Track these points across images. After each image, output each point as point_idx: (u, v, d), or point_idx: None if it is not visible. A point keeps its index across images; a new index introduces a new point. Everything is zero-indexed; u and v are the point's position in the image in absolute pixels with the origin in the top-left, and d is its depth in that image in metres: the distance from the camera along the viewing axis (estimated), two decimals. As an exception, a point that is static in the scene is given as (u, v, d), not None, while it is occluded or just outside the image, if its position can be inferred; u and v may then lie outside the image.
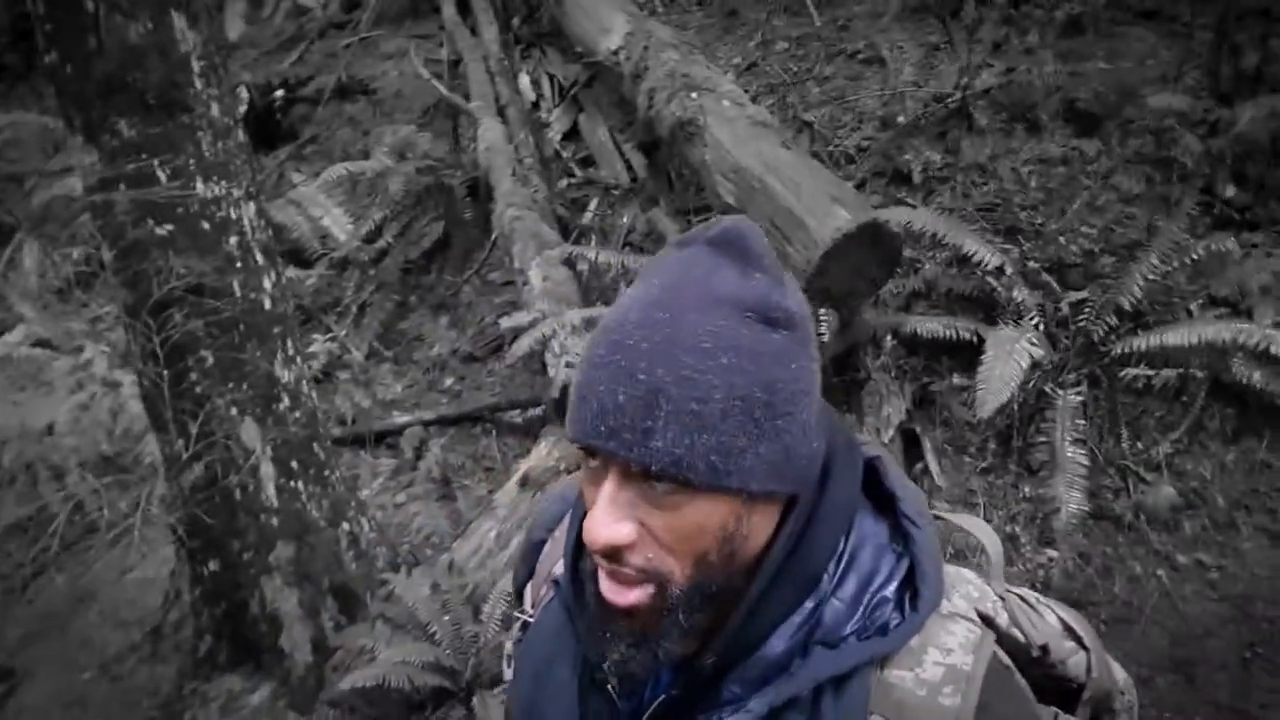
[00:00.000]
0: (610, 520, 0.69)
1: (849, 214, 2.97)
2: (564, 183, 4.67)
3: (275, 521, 2.73)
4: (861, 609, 0.74)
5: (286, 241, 5.07)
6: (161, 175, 2.33)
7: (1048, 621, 0.86)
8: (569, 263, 3.88)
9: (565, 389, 3.40)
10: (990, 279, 3.42)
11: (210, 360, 2.51)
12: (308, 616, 2.80)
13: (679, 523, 0.69)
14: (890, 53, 4.34)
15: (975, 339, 3.29)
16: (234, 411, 2.57)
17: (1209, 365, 3.14)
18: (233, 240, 2.49)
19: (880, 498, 0.79)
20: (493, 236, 4.35)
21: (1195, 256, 3.15)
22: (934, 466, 3.34)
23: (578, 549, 0.80)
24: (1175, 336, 3.08)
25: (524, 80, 5.02)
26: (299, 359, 2.75)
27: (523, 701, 0.88)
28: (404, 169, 4.90)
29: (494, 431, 4.02)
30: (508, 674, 0.92)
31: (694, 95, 3.49)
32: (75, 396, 3.79)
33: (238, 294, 2.52)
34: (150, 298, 2.34)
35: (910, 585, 0.74)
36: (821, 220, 2.97)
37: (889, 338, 3.51)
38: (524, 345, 3.57)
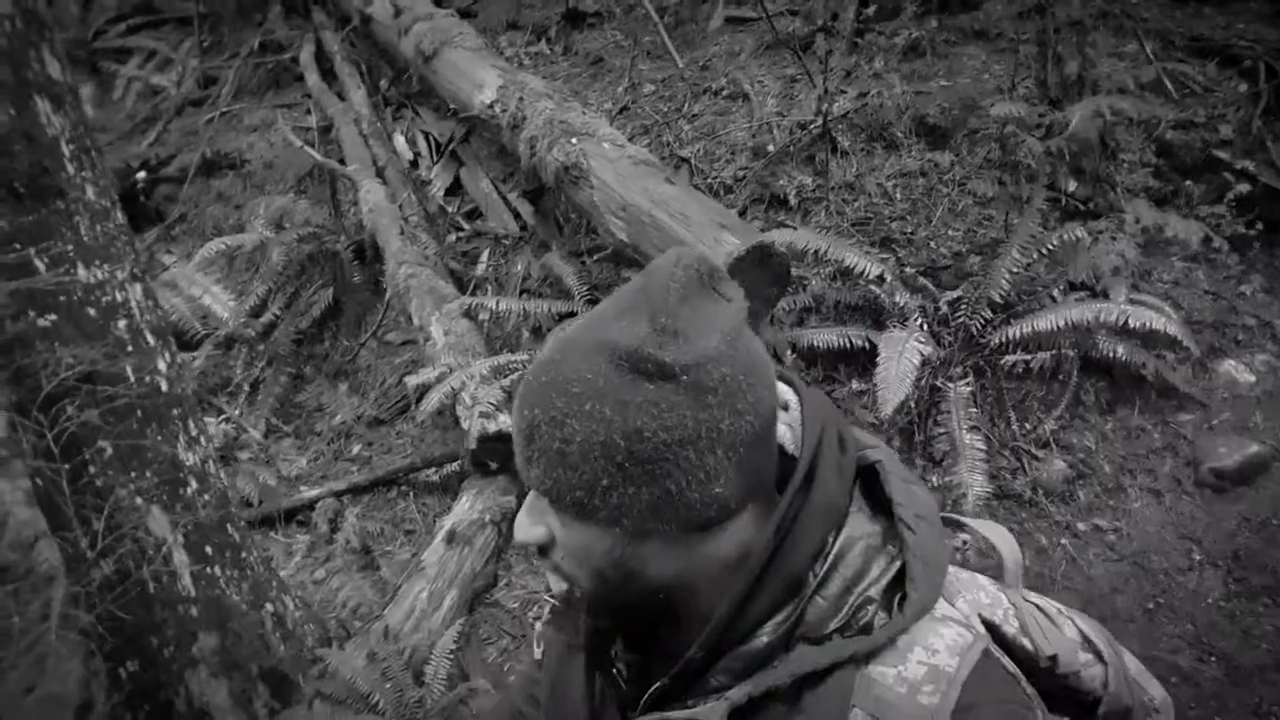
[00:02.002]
0: (526, 522, 0.79)
1: (737, 239, 3.11)
2: (453, 237, 4.68)
3: (195, 611, 2.59)
4: (846, 607, 0.76)
5: (170, 323, 4.87)
6: (40, 264, 2.23)
7: (1064, 633, 0.88)
8: (469, 315, 3.88)
9: (483, 439, 3.38)
10: (874, 287, 3.63)
11: (109, 450, 2.39)
12: (239, 707, 2.66)
13: (570, 540, 0.77)
14: (752, 87, 4.58)
15: (867, 344, 3.48)
16: (139, 501, 2.45)
17: (1078, 344, 3.42)
18: (121, 324, 2.40)
19: (880, 500, 0.81)
20: (387, 297, 4.30)
21: (1051, 247, 3.44)
22: (845, 470, 3.49)
23: None
24: (1044, 322, 3.35)
25: (399, 140, 5.02)
26: (203, 439, 2.65)
27: (550, 681, 0.95)
28: (284, 239, 4.80)
29: (410, 493, 3.94)
30: (537, 653, 0.98)
31: (574, 140, 3.58)
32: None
33: (131, 379, 2.41)
34: (40, 392, 2.22)
35: (900, 587, 0.76)
36: (712, 247, 3.10)
37: (789, 352, 3.66)
38: (434, 401, 3.54)
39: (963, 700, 0.72)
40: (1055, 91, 3.71)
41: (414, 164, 5.00)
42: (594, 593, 0.79)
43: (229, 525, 2.72)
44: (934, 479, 3.34)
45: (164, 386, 2.51)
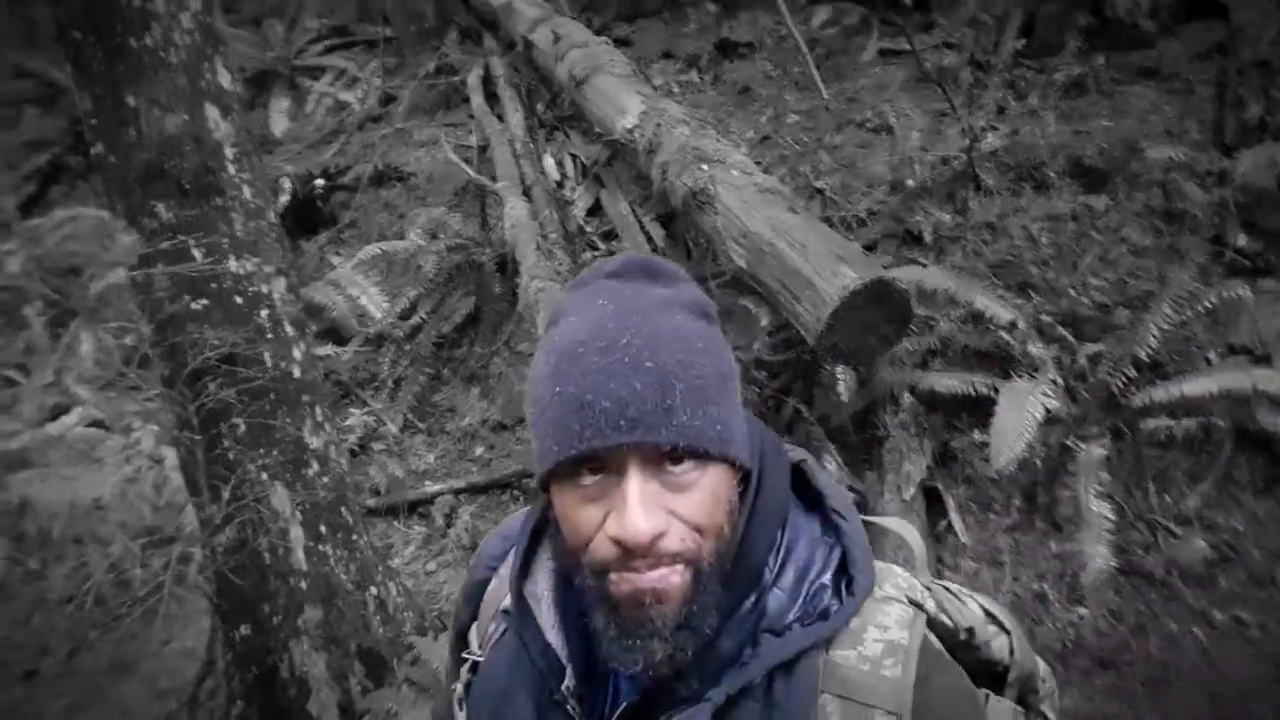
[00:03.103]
0: (647, 513, 0.72)
1: (855, 272, 3.04)
2: (587, 255, 4.82)
3: (304, 585, 2.80)
4: (802, 597, 0.80)
5: (325, 320, 5.29)
6: (197, 253, 2.50)
7: (970, 609, 0.92)
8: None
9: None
10: (1005, 334, 3.44)
11: (242, 427, 2.63)
12: (335, 681, 2.84)
13: (700, 498, 0.75)
14: (897, 120, 4.47)
15: (993, 394, 3.30)
16: (264, 477, 2.68)
17: (1232, 414, 3.11)
18: (264, 313, 2.64)
19: (808, 497, 0.86)
20: (519, 308, 4.49)
21: (1209, 305, 3.15)
22: (958, 524, 3.32)
23: (562, 571, 0.84)
24: (1195, 386, 3.06)
25: (548, 161, 5.24)
26: (328, 426, 2.86)
27: None
28: (436, 248, 5.10)
29: (521, 498, 4.08)
30: (460, 718, 0.92)
31: (704, 166, 3.62)
32: (122, 471, 3.95)
33: (268, 363, 2.65)
34: (186, 368, 2.47)
35: (845, 573, 0.81)
36: (829, 279, 3.04)
37: (907, 395, 3.53)
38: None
39: (920, 671, 0.77)
40: (1231, 137, 3.42)
41: (560, 184, 5.20)
42: (719, 553, 0.76)
43: (343, 508, 2.92)
44: (1053, 545, 3.12)
45: (296, 373, 2.74)
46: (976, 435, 3.46)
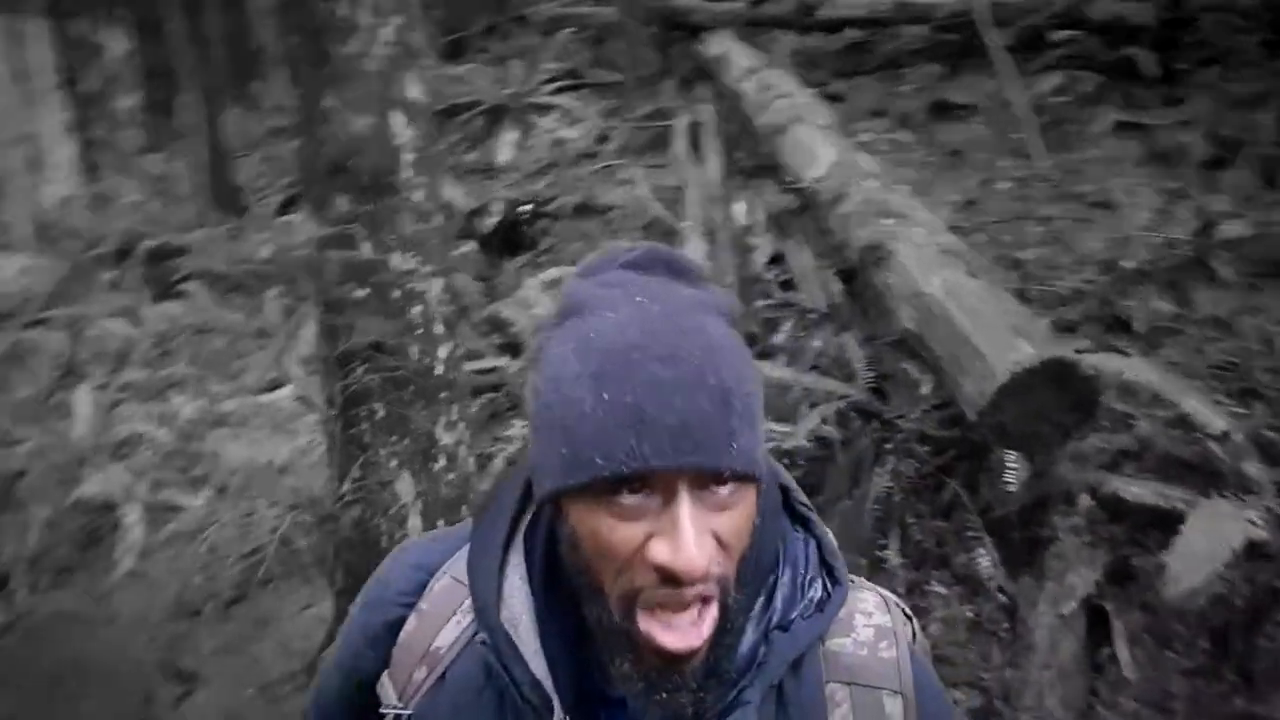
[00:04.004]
0: (699, 541, 0.67)
1: (1033, 349, 2.75)
2: (760, 303, 4.72)
3: (413, 576, 2.87)
4: (799, 591, 0.80)
5: (509, 334, 5.55)
6: (366, 245, 2.67)
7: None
8: (747, 378, 3.87)
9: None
10: (1215, 445, 2.97)
11: (380, 413, 2.76)
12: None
13: (737, 519, 0.71)
14: (1124, 197, 4.05)
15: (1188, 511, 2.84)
16: (393, 463, 2.79)
17: None
18: (416, 309, 2.77)
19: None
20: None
21: None
22: (1124, 654, 2.86)
23: (545, 591, 0.78)
24: None
25: (738, 207, 5.23)
26: (462, 426, 2.94)
27: None
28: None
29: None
30: None
31: (886, 221, 3.45)
32: (297, 441, 4.31)
33: (413, 357, 2.77)
34: (336, 349, 2.64)
35: (824, 562, 0.82)
36: (1000, 352, 2.77)
37: (1086, 496, 3.12)
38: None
39: (910, 650, 0.81)
40: None
41: (746, 230, 5.16)
42: (739, 577, 0.73)
43: (464, 507, 2.98)
44: (1240, 702, 2.61)
45: (438, 370, 2.84)
46: (1163, 556, 2.99)
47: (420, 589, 0.86)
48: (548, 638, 0.77)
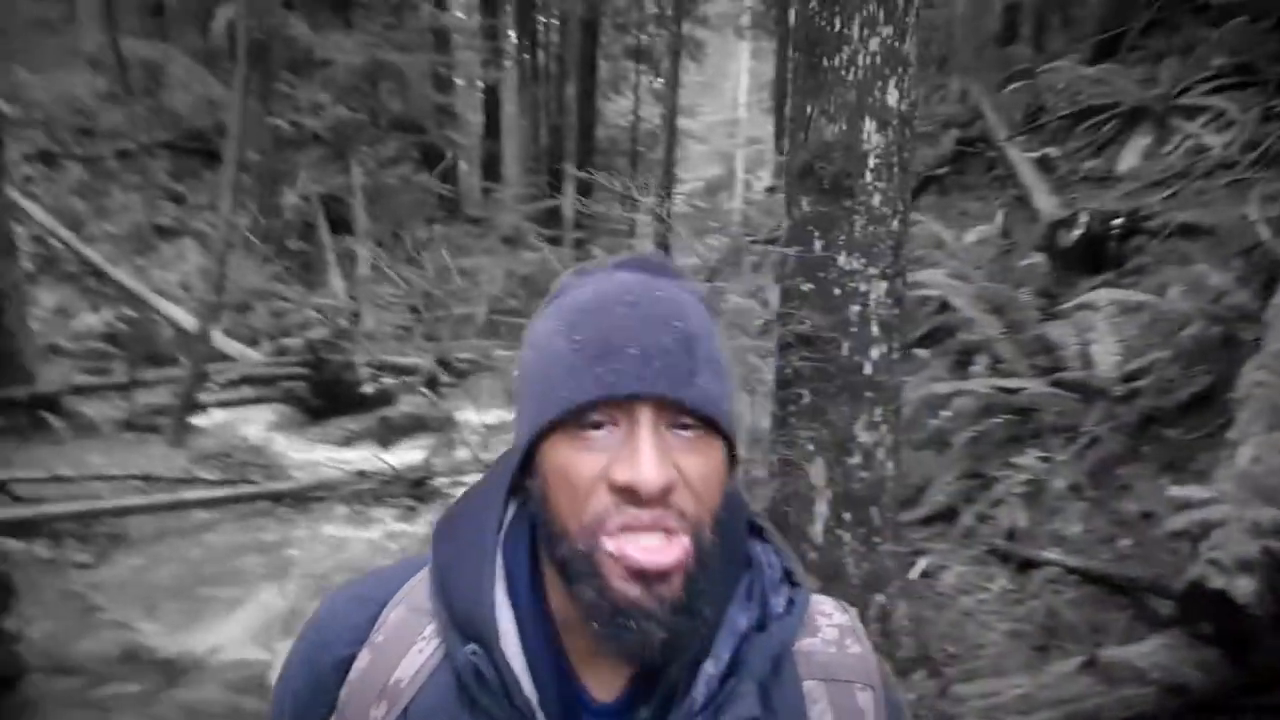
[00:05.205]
0: (659, 459, 0.69)
1: None
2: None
3: (814, 557, 3.06)
4: (771, 592, 0.80)
5: (1054, 357, 5.08)
6: (816, 243, 2.89)
7: None
8: (1297, 455, 3.02)
9: (1194, 584, 2.73)
10: None
11: (806, 398, 2.98)
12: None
13: (705, 468, 0.72)
14: None
15: None
16: (810, 448, 2.99)
17: None
18: (854, 309, 2.89)
19: None
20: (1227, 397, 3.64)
21: None
22: None
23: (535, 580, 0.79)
24: None
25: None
26: (884, 428, 2.98)
27: None
28: (1191, 308, 4.39)
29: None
30: None
31: None
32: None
33: (844, 353, 2.92)
34: (776, 335, 2.94)
35: (784, 568, 0.82)
36: None
37: None
38: (1178, 523, 3.00)
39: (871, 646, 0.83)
40: None
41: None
42: (716, 533, 0.73)
43: (874, 508, 3.04)
44: None
45: (867, 370, 2.95)
46: None
47: (370, 622, 0.80)
48: (532, 653, 0.76)
